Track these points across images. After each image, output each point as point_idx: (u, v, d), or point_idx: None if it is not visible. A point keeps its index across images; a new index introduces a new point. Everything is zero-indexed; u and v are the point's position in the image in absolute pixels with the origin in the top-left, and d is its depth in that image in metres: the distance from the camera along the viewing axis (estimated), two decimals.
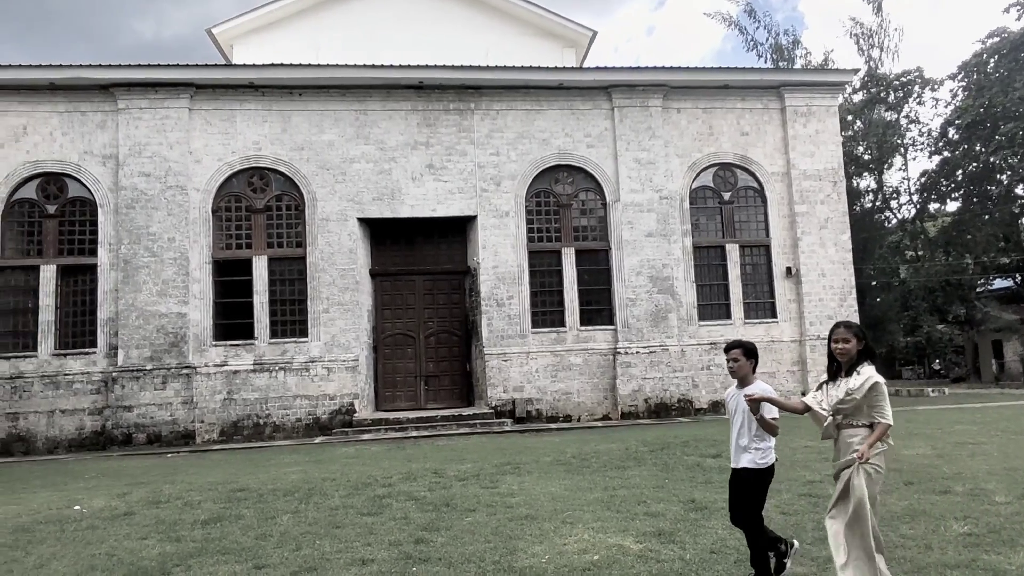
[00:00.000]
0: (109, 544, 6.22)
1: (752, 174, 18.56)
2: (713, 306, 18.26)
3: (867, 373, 4.12)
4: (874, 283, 32.99)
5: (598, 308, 17.85)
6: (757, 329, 17.97)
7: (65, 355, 16.13)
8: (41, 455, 15.27)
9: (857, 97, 32.74)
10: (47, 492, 9.45)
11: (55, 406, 15.83)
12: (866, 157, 32.96)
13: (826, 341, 4.46)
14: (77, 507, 8.13)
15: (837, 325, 4.34)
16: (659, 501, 7.15)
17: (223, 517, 7.19)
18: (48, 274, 16.37)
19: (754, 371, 4.67)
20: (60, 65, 16.45)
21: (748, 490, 4.59)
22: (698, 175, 18.38)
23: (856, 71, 21.56)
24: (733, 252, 18.30)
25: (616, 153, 17.92)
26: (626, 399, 16.96)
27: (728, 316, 18.08)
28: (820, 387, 4.37)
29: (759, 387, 4.54)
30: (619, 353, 17.18)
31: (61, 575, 5.34)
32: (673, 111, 18.36)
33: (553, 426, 16.19)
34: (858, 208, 32.01)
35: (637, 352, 17.24)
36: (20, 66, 16.51)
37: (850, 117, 31.82)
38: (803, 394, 18.23)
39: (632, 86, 18.00)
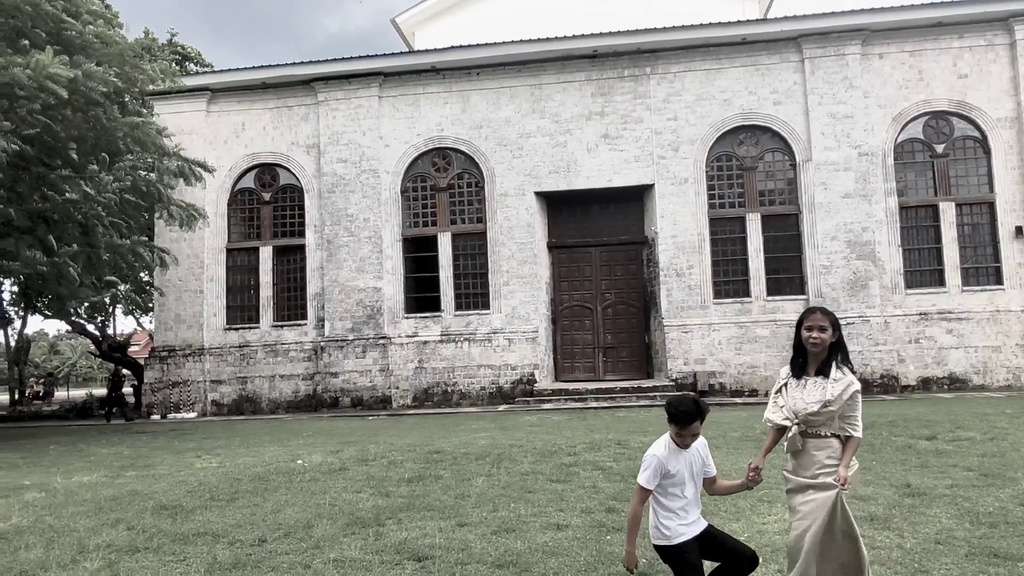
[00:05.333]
0: (330, 495, 6.92)
1: (972, 122, 16.33)
2: (923, 272, 16.44)
3: (847, 379, 3.44)
4: None
5: (787, 276, 16.77)
6: (978, 297, 15.95)
7: (281, 326, 18.13)
8: (265, 414, 17.35)
9: None
10: (274, 447, 10.71)
11: (275, 372, 17.86)
12: None
13: (795, 327, 3.64)
14: (300, 461, 9.13)
15: (812, 310, 3.57)
16: (867, 484, 6.59)
17: (424, 476, 7.71)
18: (266, 254, 18.42)
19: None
20: (269, 65, 18.31)
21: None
22: (904, 127, 16.50)
23: None
24: (948, 211, 16.29)
25: (807, 109, 16.57)
26: None
27: (941, 283, 16.19)
28: (780, 390, 3.60)
29: (701, 443, 3.58)
30: None
31: (295, 520, 6.02)
32: (874, 58, 16.58)
33: (739, 400, 15.55)
34: None
35: None
36: (238, 69, 18.59)
37: None
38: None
39: (825, 34, 16.48)
